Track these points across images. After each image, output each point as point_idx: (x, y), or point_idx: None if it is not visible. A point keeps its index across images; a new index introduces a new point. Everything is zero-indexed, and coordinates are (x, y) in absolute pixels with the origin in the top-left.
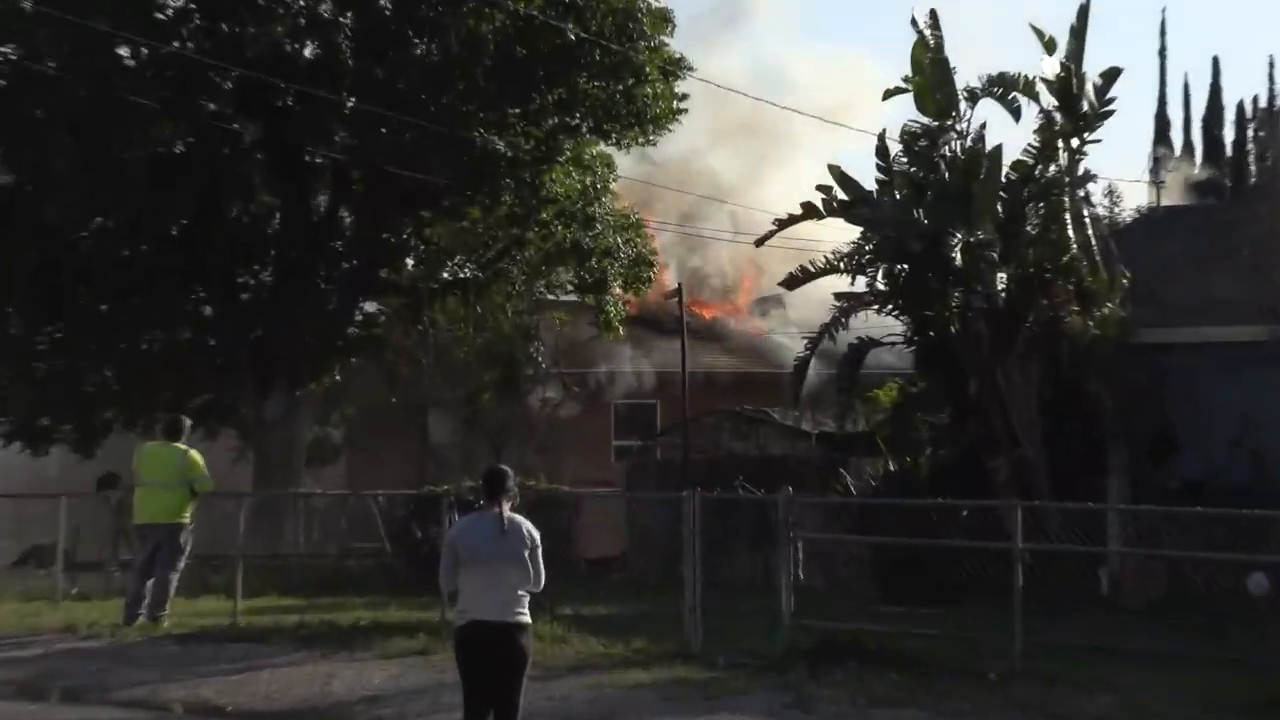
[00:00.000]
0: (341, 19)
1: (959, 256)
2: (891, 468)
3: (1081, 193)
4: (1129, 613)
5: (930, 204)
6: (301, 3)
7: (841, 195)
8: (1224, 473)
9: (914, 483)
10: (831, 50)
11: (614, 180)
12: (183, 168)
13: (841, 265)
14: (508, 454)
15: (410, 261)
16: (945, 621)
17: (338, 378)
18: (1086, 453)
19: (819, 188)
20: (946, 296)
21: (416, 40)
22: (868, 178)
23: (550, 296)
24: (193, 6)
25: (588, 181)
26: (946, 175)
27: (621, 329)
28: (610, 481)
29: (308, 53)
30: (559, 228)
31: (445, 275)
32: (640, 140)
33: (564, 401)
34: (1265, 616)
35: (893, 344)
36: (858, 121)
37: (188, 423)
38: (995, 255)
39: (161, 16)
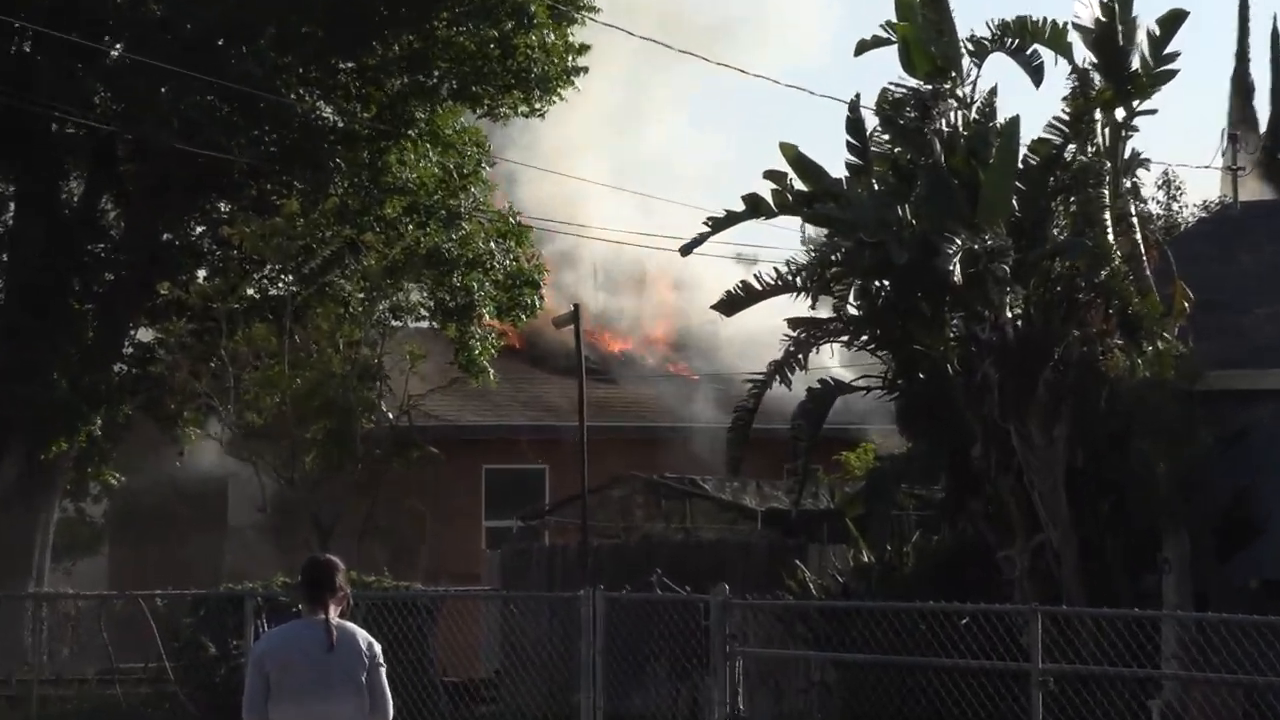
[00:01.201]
0: None
1: (959, 270)
2: (866, 558)
3: (1128, 183)
4: None
5: (921, 198)
6: None
7: (799, 185)
8: None
9: (897, 579)
10: None
11: (488, 165)
12: None
13: (799, 281)
14: (339, 539)
15: (202, 273)
16: None
17: (99, 434)
18: (1132, 540)
19: (768, 175)
20: (942, 325)
21: None
22: (835, 161)
23: (397, 323)
24: None
25: (450, 165)
26: (943, 159)
27: (493, 372)
28: (480, 577)
29: None
30: (409, 228)
31: (251, 292)
32: (523, 109)
33: (417, 464)
34: None
35: (868, 390)
36: (823, 84)
37: None
38: (1008, 268)
39: None
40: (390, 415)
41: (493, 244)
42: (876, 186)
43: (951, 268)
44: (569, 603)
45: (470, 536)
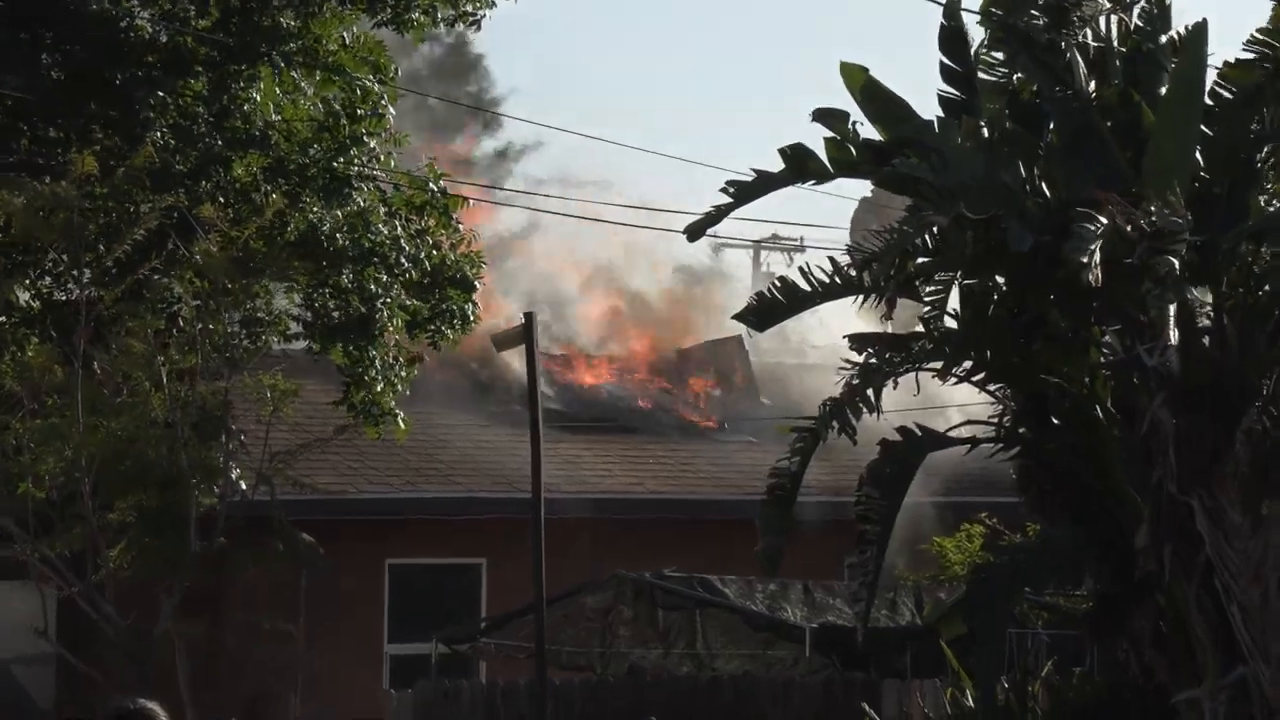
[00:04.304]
0: None
1: (1096, 260)
2: (971, 701)
3: None
4: None
5: (1056, 150)
6: None
7: (869, 131)
8: None
9: None
10: None
11: (393, 97)
12: None
13: (866, 278)
14: (163, 677)
15: None
16: None
17: None
18: None
19: (820, 115)
20: (1085, 344)
21: None
22: (924, 96)
23: (252, 344)
24: None
25: (337, 104)
26: (1091, 89)
27: (402, 417)
28: None
29: None
30: (271, 195)
31: (25, 296)
32: (446, 14)
33: (283, 561)
34: None
35: (973, 443)
36: None
37: None
38: (1180, 260)
39: None
40: (243, 485)
41: (400, 225)
42: (988, 133)
43: (1085, 259)
44: None
45: (367, 669)
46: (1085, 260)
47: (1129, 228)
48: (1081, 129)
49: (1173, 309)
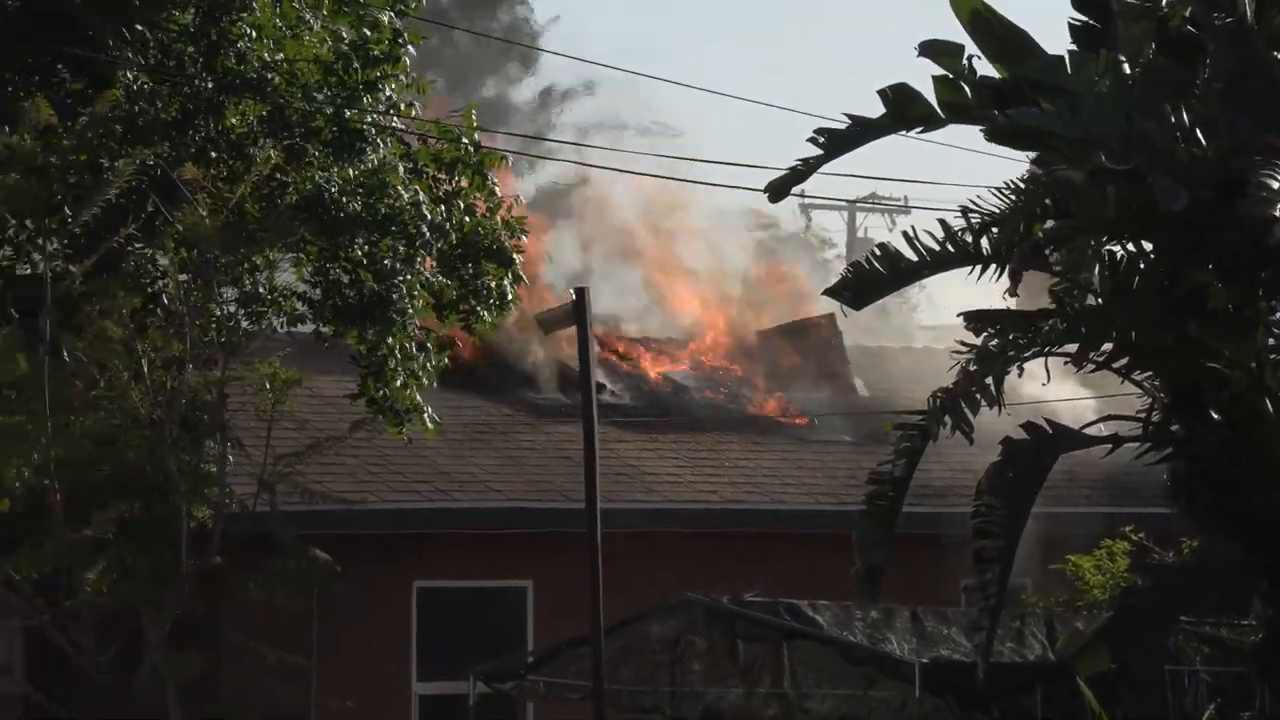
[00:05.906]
0: None
1: None
2: None
3: None
4: None
5: (1218, 90)
6: None
7: (985, 67)
8: None
9: None
10: None
11: (414, 35)
12: None
13: (984, 245)
14: (144, 718)
15: None
16: None
17: None
18: None
19: (926, 49)
20: (1251, 322)
21: None
22: (1052, 28)
23: (248, 325)
24: None
25: (347, 42)
26: (1253, 17)
27: (430, 414)
28: None
29: None
30: (268, 149)
31: None
32: None
33: (290, 585)
34: None
35: (1116, 443)
36: None
37: None
38: None
39: None
40: (233, 497)
41: (424, 187)
42: (1129, 69)
43: (1276, 213)
44: None
45: (391, 712)
46: (1276, 214)
47: None
48: (1246, 63)
49: None
